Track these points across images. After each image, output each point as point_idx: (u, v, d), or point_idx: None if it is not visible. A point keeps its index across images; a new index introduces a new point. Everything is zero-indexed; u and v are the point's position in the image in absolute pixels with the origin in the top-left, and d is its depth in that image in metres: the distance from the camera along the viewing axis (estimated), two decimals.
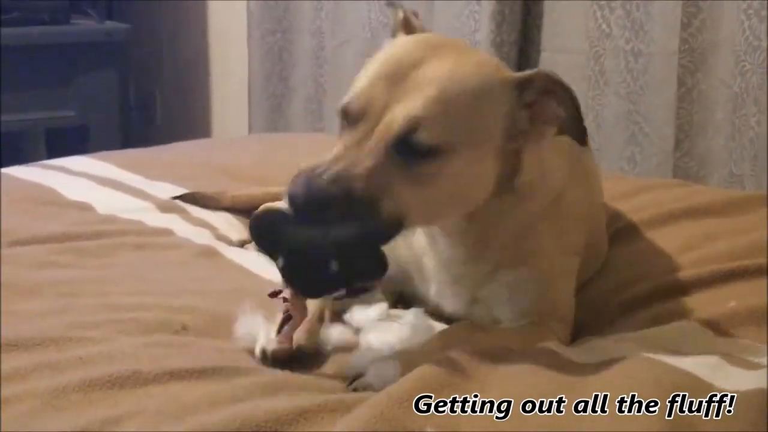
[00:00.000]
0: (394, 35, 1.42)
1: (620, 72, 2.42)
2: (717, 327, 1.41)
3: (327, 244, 1.18)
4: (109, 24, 3.69)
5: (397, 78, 1.25)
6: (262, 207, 1.95)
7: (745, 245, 1.64)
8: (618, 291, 1.58)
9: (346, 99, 1.28)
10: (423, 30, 1.42)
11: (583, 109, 2.53)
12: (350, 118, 1.27)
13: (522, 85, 1.29)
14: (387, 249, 1.47)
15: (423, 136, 1.22)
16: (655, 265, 1.64)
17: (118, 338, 1.30)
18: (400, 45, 1.33)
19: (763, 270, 1.54)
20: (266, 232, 1.20)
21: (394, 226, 1.25)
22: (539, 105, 1.30)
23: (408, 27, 1.41)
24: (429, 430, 1.06)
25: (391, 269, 1.49)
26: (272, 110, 3.39)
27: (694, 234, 1.74)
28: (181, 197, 2.03)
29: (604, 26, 2.44)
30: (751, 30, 2.13)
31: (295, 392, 1.17)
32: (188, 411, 1.10)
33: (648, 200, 1.91)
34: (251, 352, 1.29)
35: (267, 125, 3.39)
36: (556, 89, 1.29)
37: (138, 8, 4.04)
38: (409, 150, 1.23)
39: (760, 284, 1.51)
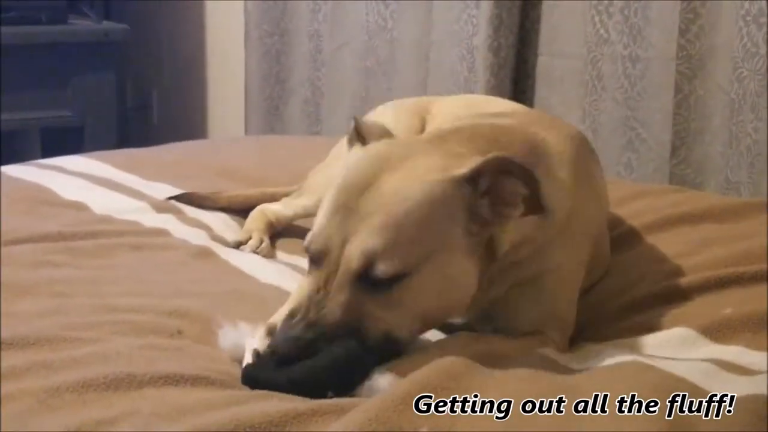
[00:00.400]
0: (350, 146, 1.41)
1: (618, 77, 2.43)
2: (712, 333, 1.40)
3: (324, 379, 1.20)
4: (107, 24, 3.69)
5: (348, 210, 1.24)
6: (257, 208, 1.95)
7: (742, 252, 1.64)
8: (614, 296, 1.58)
9: (307, 239, 1.28)
10: (374, 133, 1.39)
11: (580, 114, 2.56)
12: (314, 258, 1.27)
13: (474, 177, 1.27)
14: None
15: (382, 268, 1.22)
16: (651, 271, 1.64)
17: (113, 339, 1.30)
18: (351, 167, 1.30)
19: (758, 277, 1.54)
20: (263, 381, 1.21)
21: (388, 343, 1.25)
22: (498, 189, 1.28)
23: (361, 135, 1.39)
24: (424, 431, 1.06)
25: None
26: (269, 112, 3.39)
27: (690, 240, 1.74)
28: (177, 197, 2.02)
29: (602, 31, 2.44)
30: (749, 36, 2.13)
31: (290, 396, 1.17)
32: (183, 413, 1.10)
33: (644, 206, 1.91)
34: (239, 362, 1.28)
35: (264, 127, 3.39)
36: (512, 169, 1.27)
37: (136, 9, 4.04)
38: (373, 283, 1.23)
39: (756, 291, 1.50)
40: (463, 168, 1.26)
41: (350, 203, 1.25)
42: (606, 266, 1.67)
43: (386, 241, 1.22)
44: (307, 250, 1.28)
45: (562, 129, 1.59)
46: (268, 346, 1.22)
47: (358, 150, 1.37)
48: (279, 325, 1.24)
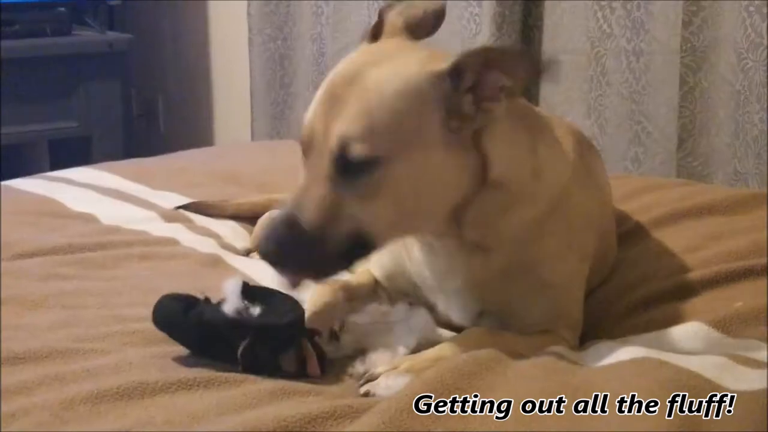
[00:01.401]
0: (361, 42, 1.44)
1: (622, 72, 2.42)
2: (723, 327, 1.40)
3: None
4: (111, 34, 3.69)
5: (332, 100, 1.29)
6: (265, 216, 1.95)
7: (750, 245, 1.63)
8: (624, 293, 1.58)
9: (300, 129, 1.33)
10: (387, 27, 1.41)
11: (585, 110, 2.55)
12: (303, 148, 1.31)
13: (456, 72, 1.28)
14: (393, 262, 1.48)
15: (355, 151, 1.25)
16: (660, 266, 1.64)
17: (124, 350, 1.30)
18: (343, 62, 1.35)
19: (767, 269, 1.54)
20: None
21: (357, 245, 1.29)
22: (483, 84, 1.29)
23: (377, 32, 1.42)
24: None
25: (401, 282, 1.50)
26: (275, 117, 3.39)
27: (699, 234, 1.74)
28: (185, 207, 2.03)
29: (605, 26, 2.44)
30: (753, 27, 2.12)
31: (303, 398, 1.17)
32: (196, 420, 1.10)
33: (652, 200, 1.90)
34: None
35: (270, 132, 3.39)
36: (496, 57, 1.29)
37: (139, 18, 4.04)
38: (348, 169, 1.26)
39: (766, 284, 1.50)
40: (445, 63, 1.29)
41: (335, 93, 1.29)
42: (612, 263, 1.67)
43: (361, 126, 1.26)
44: (299, 142, 1.33)
45: (562, 120, 1.61)
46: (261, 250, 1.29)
47: (358, 48, 1.40)
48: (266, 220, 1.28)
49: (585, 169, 1.53)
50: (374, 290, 1.55)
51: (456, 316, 1.46)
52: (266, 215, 1.96)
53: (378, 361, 1.29)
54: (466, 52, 1.29)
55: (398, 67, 1.30)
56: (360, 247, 1.30)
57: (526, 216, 1.40)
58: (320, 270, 1.31)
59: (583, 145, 1.58)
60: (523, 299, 1.42)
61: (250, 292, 1.32)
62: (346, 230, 1.27)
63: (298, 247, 1.26)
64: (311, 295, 1.43)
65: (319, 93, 1.32)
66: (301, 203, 1.27)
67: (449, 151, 1.30)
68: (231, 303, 1.28)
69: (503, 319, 1.42)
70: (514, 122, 1.36)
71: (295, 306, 1.31)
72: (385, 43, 1.39)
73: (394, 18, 1.42)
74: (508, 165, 1.36)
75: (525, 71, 1.31)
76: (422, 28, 1.43)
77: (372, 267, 1.56)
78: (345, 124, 1.26)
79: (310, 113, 1.31)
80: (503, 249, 1.40)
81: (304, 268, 1.28)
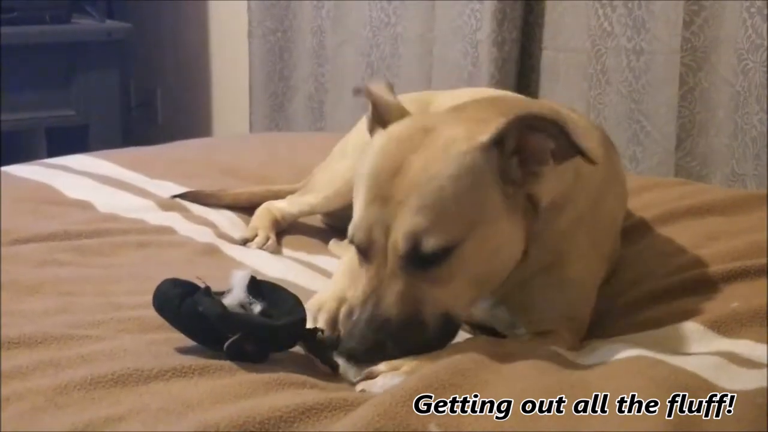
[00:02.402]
0: (371, 131, 1.41)
1: (622, 71, 2.42)
2: (720, 327, 1.40)
3: None
4: (110, 23, 3.69)
5: (383, 198, 1.27)
6: (263, 206, 1.95)
7: (747, 245, 1.63)
8: (621, 292, 1.58)
9: (350, 231, 1.30)
10: (392, 108, 1.39)
11: (585, 108, 2.56)
12: (361, 250, 1.30)
13: (500, 140, 1.28)
14: None
15: (428, 246, 1.25)
16: (657, 266, 1.64)
17: (120, 337, 1.30)
18: (377, 153, 1.32)
19: (765, 270, 1.54)
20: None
21: (447, 326, 1.30)
22: (525, 147, 1.29)
23: (380, 116, 1.39)
24: (433, 428, 1.06)
25: None
26: (273, 109, 3.39)
27: (696, 233, 1.74)
28: (182, 195, 2.02)
29: (605, 25, 2.44)
30: (754, 28, 2.13)
31: (299, 389, 1.17)
32: (191, 408, 1.10)
33: (650, 199, 1.90)
34: None
35: (268, 124, 3.39)
36: (535, 124, 1.28)
37: (139, 7, 4.04)
38: (422, 260, 1.25)
39: (763, 284, 1.50)
40: (487, 133, 1.27)
41: (384, 191, 1.27)
42: (615, 261, 1.67)
43: (427, 218, 1.24)
44: (351, 242, 1.31)
45: (583, 118, 1.62)
46: (342, 349, 1.26)
47: (380, 134, 1.37)
48: (342, 324, 1.29)
49: (612, 167, 1.54)
50: None
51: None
52: (264, 205, 1.96)
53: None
54: (508, 120, 1.27)
55: (443, 149, 1.27)
56: (448, 324, 1.30)
57: (570, 217, 1.42)
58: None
59: (607, 144, 1.58)
60: (542, 293, 1.43)
61: (257, 286, 1.31)
62: (432, 317, 1.27)
63: (388, 344, 1.25)
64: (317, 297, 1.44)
65: (364, 193, 1.29)
66: (380, 302, 1.26)
67: (511, 216, 1.31)
68: (236, 295, 1.28)
69: (517, 310, 1.43)
70: None
71: (296, 308, 1.31)
72: (411, 124, 1.35)
73: (389, 96, 1.41)
74: (554, 186, 1.37)
75: (564, 134, 1.27)
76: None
77: None
78: (409, 222, 1.25)
79: (361, 216, 1.29)
80: (539, 250, 1.40)
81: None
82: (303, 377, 1.22)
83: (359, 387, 1.22)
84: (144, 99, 4.13)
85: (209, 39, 3.90)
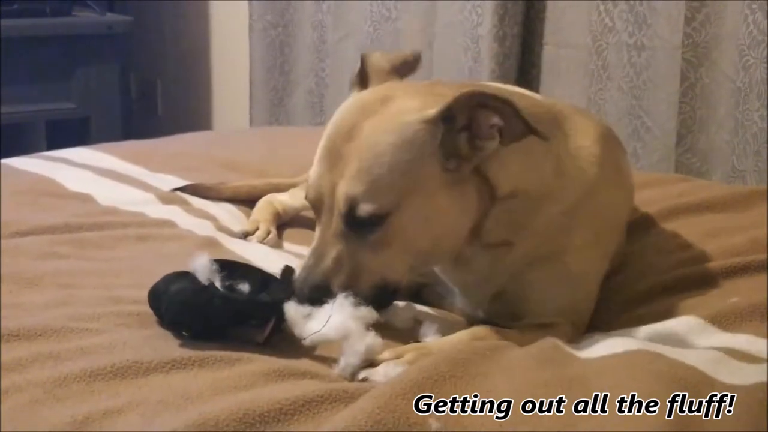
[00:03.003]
0: (350, 90, 1.46)
1: (623, 66, 2.42)
2: (720, 322, 1.40)
3: None
4: (111, 16, 3.68)
5: (335, 156, 1.33)
6: (264, 199, 1.95)
7: (748, 242, 1.64)
8: (621, 287, 1.58)
9: (307, 188, 1.38)
10: (382, 75, 1.44)
11: (585, 103, 2.55)
12: (313, 206, 1.38)
13: (448, 115, 1.31)
14: None
15: (363, 211, 1.30)
16: (657, 261, 1.64)
17: (119, 329, 1.30)
18: (338, 115, 1.38)
19: (765, 266, 1.54)
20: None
21: (383, 292, 1.35)
22: (475, 123, 1.32)
23: (364, 78, 1.45)
24: (433, 421, 1.06)
25: None
26: (273, 103, 3.39)
27: (696, 230, 1.74)
28: (182, 189, 2.02)
29: (607, 20, 2.44)
30: (755, 24, 2.13)
31: (298, 380, 1.17)
32: (190, 401, 1.10)
33: (650, 196, 1.90)
34: None
35: (268, 118, 3.39)
36: (486, 101, 1.31)
37: (139, 1, 4.03)
38: (359, 225, 1.32)
39: (763, 280, 1.50)
40: (437, 106, 1.31)
41: (336, 150, 1.33)
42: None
43: (363, 183, 1.30)
44: (307, 200, 1.39)
45: (591, 115, 1.64)
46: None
47: (351, 96, 1.42)
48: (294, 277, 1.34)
49: (614, 165, 1.54)
50: None
51: (471, 300, 1.49)
52: (265, 198, 1.96)
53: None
54: (457, 96, 1.30)
55: (392, 118, 1.32)
56: (385, 293, 1.36)
57: (552, 211, 1.43)
58: None
59: (611, 142, 1.58)
60: (542, 286, 1.44)
61: (220, 268, 1.33)
62: (369, 283, 1.33)
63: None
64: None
65: (320, 150, 1.36)
66: (321, 263, 1.33)
67: (452, 190, 1.34)
68: (203, 280, 1.30)
69: (515, 303, 1.44)
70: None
71: (270, 278, 1.36)
72: (377, 91, 1.40)
73: (379, 61, 1.46)
74: (519, 178, 1.39)
75: (514, 115, 1.31)
76: (407, 67, 1.49)
77: None
78: (348, 185, 1.31)
79: (315, 172, 1.36)
80: (527, 242, 1.43)
81: None
82: (303, 368, 1.22)
83: (361, 374, 1.22)
84: (144, 92, 4.13)
85: (210, 33, 3.90)
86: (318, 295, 1.29)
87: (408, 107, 1.33)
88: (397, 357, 1.25)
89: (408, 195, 1.31)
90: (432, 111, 1.31)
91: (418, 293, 1.57)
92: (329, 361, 1.25)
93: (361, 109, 1.35)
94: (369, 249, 1.32)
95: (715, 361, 1.25)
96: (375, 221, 1.31)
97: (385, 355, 1.25)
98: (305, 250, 1.79)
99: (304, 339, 1.26)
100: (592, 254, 1.48)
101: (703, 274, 1.55)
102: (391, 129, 1.31)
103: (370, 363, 1.23)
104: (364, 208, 1.30)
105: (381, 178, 1.30)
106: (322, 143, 1.36)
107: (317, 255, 1.34)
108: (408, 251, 1.35)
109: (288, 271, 1.35)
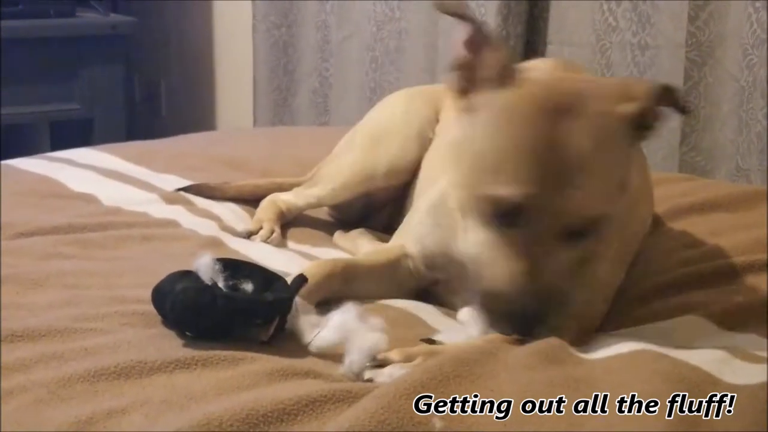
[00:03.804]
0: (462, 93, 1.35)
1: (627, 65, 2.42)
2: (723, 321, 1.40)
3: None
4: (114, 17, 3.69)
5: (547, 166, 1.25)
6: (268, 198, 1.95)
7: (752, 241, 1.64)
8: (626, 287, 1.58)
9: (503, 193, 1.26)
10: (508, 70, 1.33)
11: None
12: (516, 213, 1.27)
13: (643, 115, 1.30)
14: (436, 243, 1.52)
15: (593, 224, 1.29)
16: (661, 261, 1.64)
17: (123, 330, 1.30)
18: (523, 120, 1.28)
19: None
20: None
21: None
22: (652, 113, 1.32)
23: (509, 72, 1.33)
24: (436, 421, 1.06)
25: (439, 261, 1.51)
26: (277, 103, 3.39)
27: (700, 229, 1.74)
28: (185, 189, 2.02)
29: (610, 19, 2.44)
30: (759, 23, 2.12)
31: (302, 380, 1.17)
32: (194, 400, 1.10)
33: (655, 195, 1.89)
34: None
35: (272, 118, 3.39)
36: (671, 97, 1.32)
37: (143, 1, 4.04)
38: (580, 232, 1.29)
39: (766, 280, 1.50)
40: (633, 104, 1.29)
41: (544, 160, 1.25)
42: None
43: (591, 196, 1.27)
44: (499, 204, 1.28)
45: None
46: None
47: (506, 96, 1.31)
48: (505, 291, 1.27)
49: (644, 173, 1.55)
50: (382, 274, 1.54)
51: None
52: (269, 197, 1.95)
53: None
54: (650, 96, 1.29)
55: (597, 121, 1.28)
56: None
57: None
58: None
59: (640, 151, 1.58)
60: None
61: (223, 267, 1.33)
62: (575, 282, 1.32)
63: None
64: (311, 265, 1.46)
65: (522, 155, 1.26)
66: (541, 271, 1.27)
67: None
68: (206, 280, 1.29)
69: None
70: None
71: (273, 277, 1.35)
72: (556, 88, 1.32)
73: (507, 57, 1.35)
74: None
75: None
76: None
77: (408, 243, 1.56)
78: (587, 204, 1.26)
79: (525, 179, 1.25)
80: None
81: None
82: (306, 367, 1.22)
83: (367, 375, 1.22)
84: (148, 93, 4.13)
85: (213, 33, 3.90)
86: (545, 306, 1.27)
87: (605, 107, 1.29)
88: (407, 361, 1.23)
89: (620, 193, 1.32)
90: (630, 108, 1.29)
91: (427, 290, 1.56)
92: (333, 360, 1.25)
93: (551, 112, 1.27)
94: (583, 250, 1.31)
95: (720, 360, 1.24)
96: (597, 226, 1.29)
97: (395, 357, 1.24)
98: (309, 249, 1.81)
99: (309, 345, 1.26)
100: (617, 264, 1.48)
101: (708, 274, 1.55)
102: (601, 136, 1.27)
103: (378, 364, 1.23)
104: (594, 218, 1.28)
105: (604, 185, 1.28)
106: (518, 151, 1.26)
107: (533, 268, 1.27)
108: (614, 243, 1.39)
109: (301, 279, 1.32)
